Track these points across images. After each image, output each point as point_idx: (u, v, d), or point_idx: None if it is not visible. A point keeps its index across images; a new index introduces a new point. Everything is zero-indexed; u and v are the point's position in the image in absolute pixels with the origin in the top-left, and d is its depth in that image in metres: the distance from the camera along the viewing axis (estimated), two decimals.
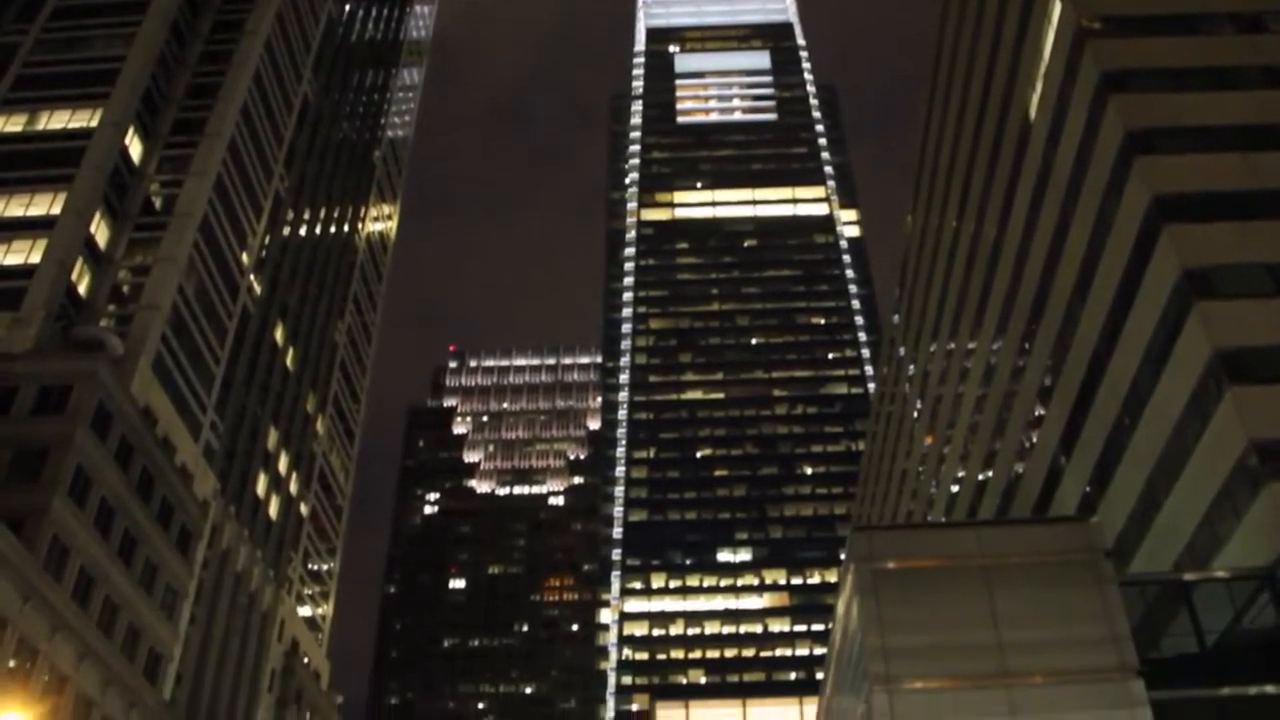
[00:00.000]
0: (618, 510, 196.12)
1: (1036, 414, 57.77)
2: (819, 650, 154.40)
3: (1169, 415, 42.95)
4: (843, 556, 49.48)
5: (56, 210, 79.41)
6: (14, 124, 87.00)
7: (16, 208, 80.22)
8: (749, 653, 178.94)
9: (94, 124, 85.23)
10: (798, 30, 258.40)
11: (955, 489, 73.23)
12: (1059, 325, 53.51)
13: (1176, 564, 43.30)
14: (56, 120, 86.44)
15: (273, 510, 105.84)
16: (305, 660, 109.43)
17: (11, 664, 53.44)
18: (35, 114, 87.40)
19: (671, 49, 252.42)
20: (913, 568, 42.73)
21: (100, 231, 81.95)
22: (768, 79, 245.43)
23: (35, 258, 76.52)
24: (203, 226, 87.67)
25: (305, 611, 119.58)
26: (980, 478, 67.42)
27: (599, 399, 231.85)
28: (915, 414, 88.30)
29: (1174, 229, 42.54)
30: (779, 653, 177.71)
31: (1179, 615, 40.66)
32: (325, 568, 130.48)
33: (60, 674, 57.55)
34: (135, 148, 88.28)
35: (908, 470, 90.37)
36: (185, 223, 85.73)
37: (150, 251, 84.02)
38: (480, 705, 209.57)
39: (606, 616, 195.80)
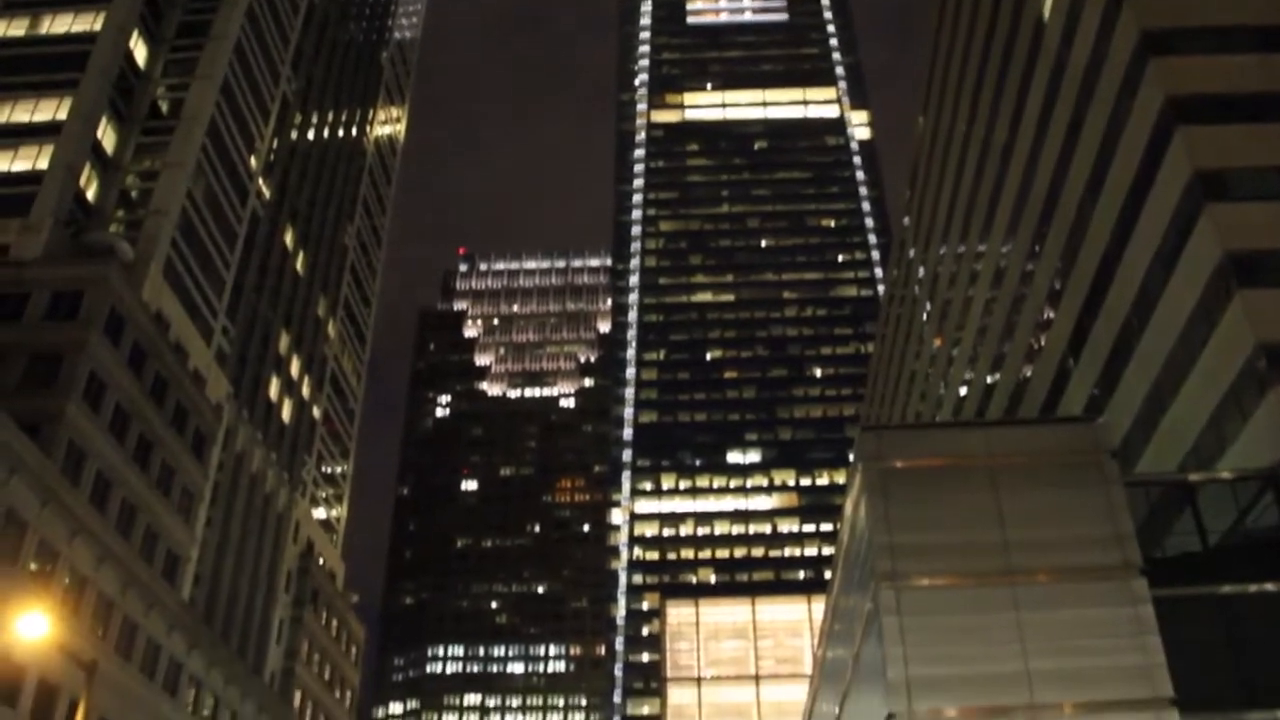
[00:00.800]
0: (628, 412, 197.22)
1: (1045, 317, 57.79)
2: (827, 550, 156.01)
3: (1178, 317, 42.98)
4: (851, 457, 49.90)
5: (62, 115, 79.01)
6: (16, 28, 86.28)
7: (22, 113, 79.87)
8: (758, 552, 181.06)
9: (97, 28, 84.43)
10: None
11: (963, 391, 73.49)
12: (1069, 227, 53.33)
13: (1181, 466, 43.62)
14: (59, 24, 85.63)
15: (285, 414, 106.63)
16: (320, 561, 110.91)
17: (33, 566, 54.32)
18: (38, 18, 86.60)
19: None
20: (920, 467, 43.05)
21: (107, 136, 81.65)
22: None
23: (42, 163, 76.34)
24: (210, 130, 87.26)
25: (320, 513, 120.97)
26: (988, 380, 67.63)
27: (609, 301, 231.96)
28: (924, 316, 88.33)
29: (1187, 130, 42.19)
30: (787, 552, 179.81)
31: (1183, 515, 41.05)
32: (338, 470, 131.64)
33: (80, 576, 58.49)
34: (140, 51, 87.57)
35: (916, 372, 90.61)
36: (192, 127, 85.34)
37: (158, 156, 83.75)
38: (493, 604, 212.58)
39: (617, 517, 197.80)
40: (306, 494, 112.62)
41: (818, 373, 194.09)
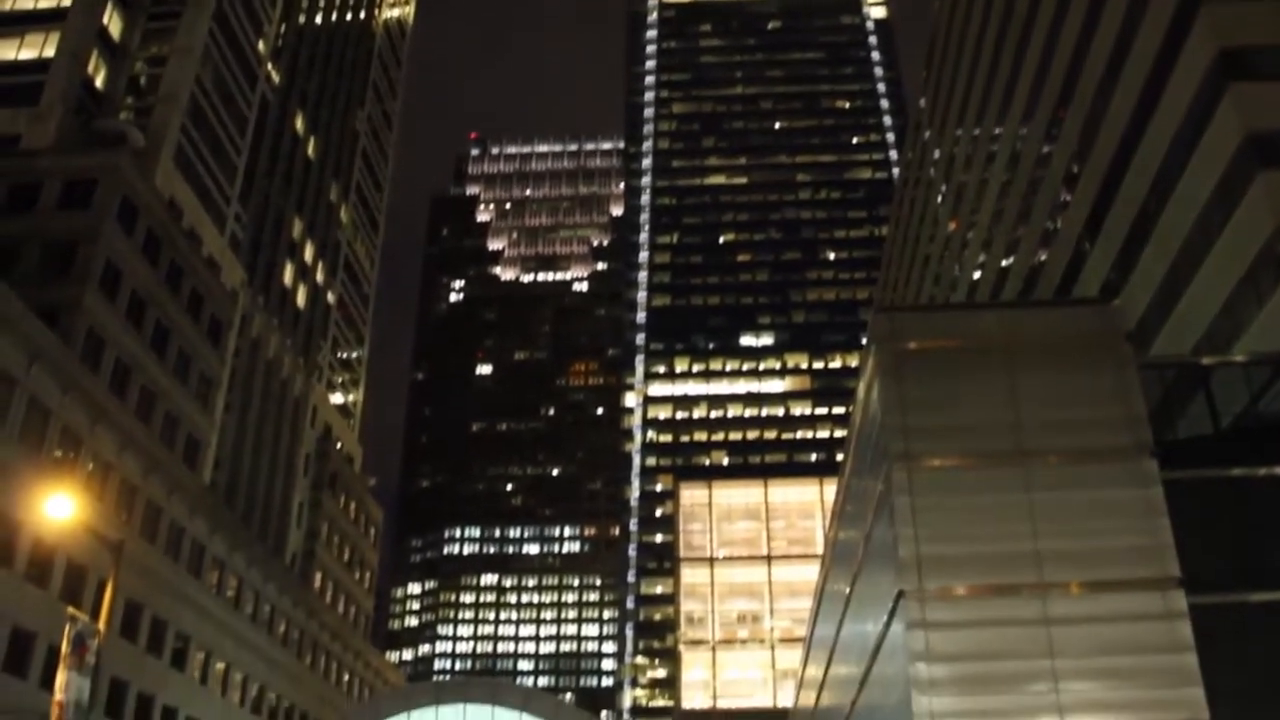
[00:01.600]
0: (641, 295, 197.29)
1: (1062, 199, 57.44)
2: (839, 433, 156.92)
3: (1197, 199, 42.72)
4: (864, 340, 50.00)
5: (66, 1, 78.12)
6: None
7: (25, 0, 79.01)
8: (770, 435, 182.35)
9: None
10: None
11: (977, 275, 73.32)
12: (1088, 108, 52.74)
13: (1195, 350, 43.65)
14: None
15: (300, 299, 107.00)
16: (338, 445, 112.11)
17: (57, 454, 55.05)
18: None
19: None
20: (934, 348, 43.07)
21: (113, 22, 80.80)
22: None
23: (49, 51, 75.73)
24: (217, 15, 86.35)
25: (336, 399, 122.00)
26: (1003, 264, 67.44)
27: (621, 185, 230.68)
28: (939, 199, 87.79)
29: (1211, 7, 41.53)
30: (800, 435, 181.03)
31: (1195, 399, 41.23)
32: (354, 355, 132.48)
33: (103, 462, 59.29)
34: None
35: (931, 255, 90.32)
36: (199, 12, 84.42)
37: (165, 42, 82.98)
38: (508, 487, 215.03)
39: (631, 400, 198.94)
40: (323, 379, 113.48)
41: (831, 256, 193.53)
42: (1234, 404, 39.75)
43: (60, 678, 25.80)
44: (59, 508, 28.49)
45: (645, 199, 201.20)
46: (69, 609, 28.36)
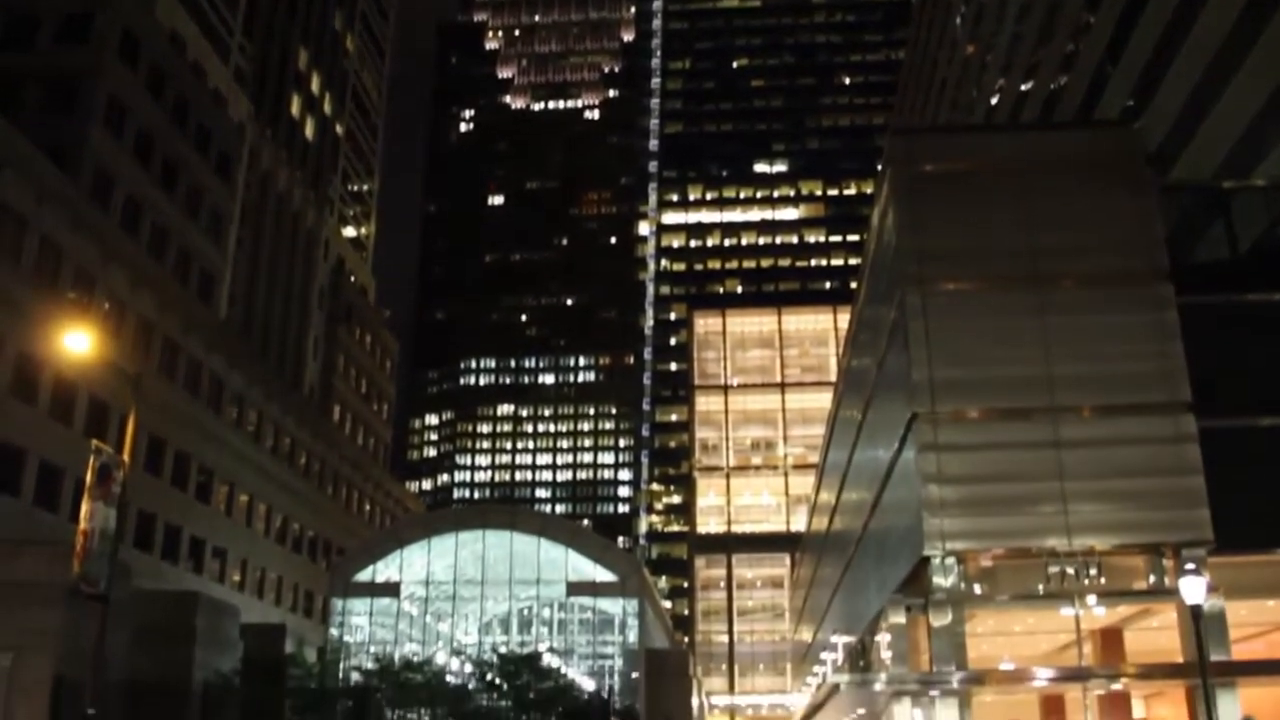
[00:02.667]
0: (653, 123, 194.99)
1: (1084, 20, 56.13)
2: (853, 260, 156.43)
3: (1226, 18, 41.69)
4: (879, 166, 49.42)
5: None
6: None
7: None
8: (784, 263, 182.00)
9: None
10: None
11: (995, 100, 72.10)
12: None
13: (1215, 175, 43.10)
14: None
15: (308, 131, 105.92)
16: (351, 278, 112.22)
17: (71, 295, 55.15)
18: None
19: None
20: (950, 171, 42.70)
21: None
22: None
23: None
24: None
25: (349, 232, 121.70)
26: (1022, 88, 66.24)
27: (632, 9, 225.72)
28: (958, 21, 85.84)
29: None
30: (814, 263, 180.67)
31: (1214, 224, 40.89)
32: (364, 188, 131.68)
33: (119, 299, 59.41)
34: None
35: (948, 80, 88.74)
36: None
37: None
38: (523, 318, 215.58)
39: (644, 229, 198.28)
40: (334, 212, 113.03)
41: (846, 81, 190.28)
42: (1253, 229, 39.43)
43: (85, 507, 26.21)
44: (77, 342, 28.64)
45: (657, 24, 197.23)
46: (93, 442, 28.68)
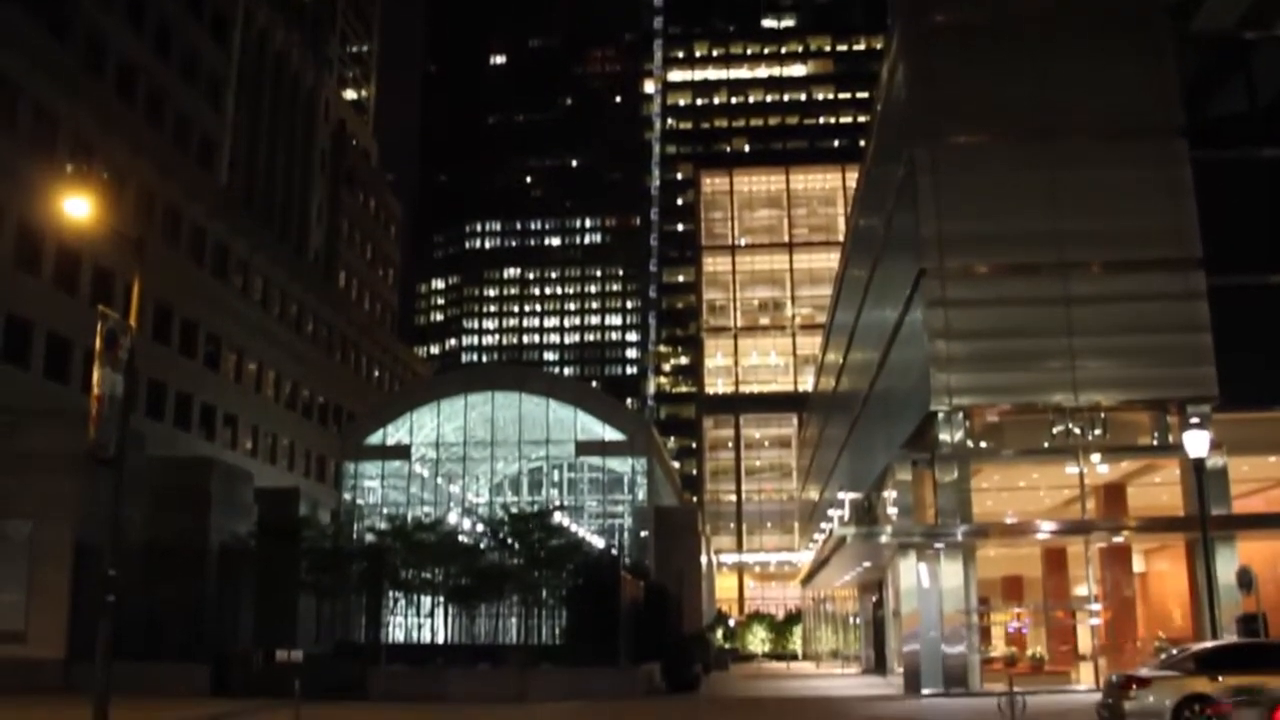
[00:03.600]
0: None
1: None
2: (863, 118, 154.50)
3: None
4: (889, 20, 48.47)
5: None
6: None
7: None
8: (792, 121, 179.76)
9: None
10: None
11: None
12: None
13: (1238, 26, 42.06)
14: None
15: None
16: (354, 141, 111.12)
17: (69, 167, 54.63)
18: None
19: None
20: (961, 23, 41.97)
21: None
22: None
23: None
24: None
25: (349, 95, 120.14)
26: None
27: None
28: None
29: None
30: (822, 121, 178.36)
31: (1234, 77, 40.17)
32: (364, 49, 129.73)
33: (118, 168, 58.90)
34: None
35: None
36: None
37: None
38: (527, 179, 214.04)
39: (649, 87, 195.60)
40: (334, 74, 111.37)
41: None
42: (1274, 82, 38.69)
43: (96, 373, 26.24)
44: (77, 207, 28.41)
45: None
46: (99, 307, 28.65)
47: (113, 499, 26.44)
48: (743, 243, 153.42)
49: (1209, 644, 25.20)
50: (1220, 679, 22.10)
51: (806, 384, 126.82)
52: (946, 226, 39.02)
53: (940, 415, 38.09)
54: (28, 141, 52.09)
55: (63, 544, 39.20)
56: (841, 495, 50.86)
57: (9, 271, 50.74)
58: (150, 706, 28.73)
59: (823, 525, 62.32)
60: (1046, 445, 38.05)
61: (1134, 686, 22.73)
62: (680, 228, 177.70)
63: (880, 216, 50.31)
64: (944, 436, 38.20)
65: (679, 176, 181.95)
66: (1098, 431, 37.49)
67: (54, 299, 52.96)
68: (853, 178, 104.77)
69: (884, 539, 41.09)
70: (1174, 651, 25.16)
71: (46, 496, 39.43)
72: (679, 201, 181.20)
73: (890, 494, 42.47)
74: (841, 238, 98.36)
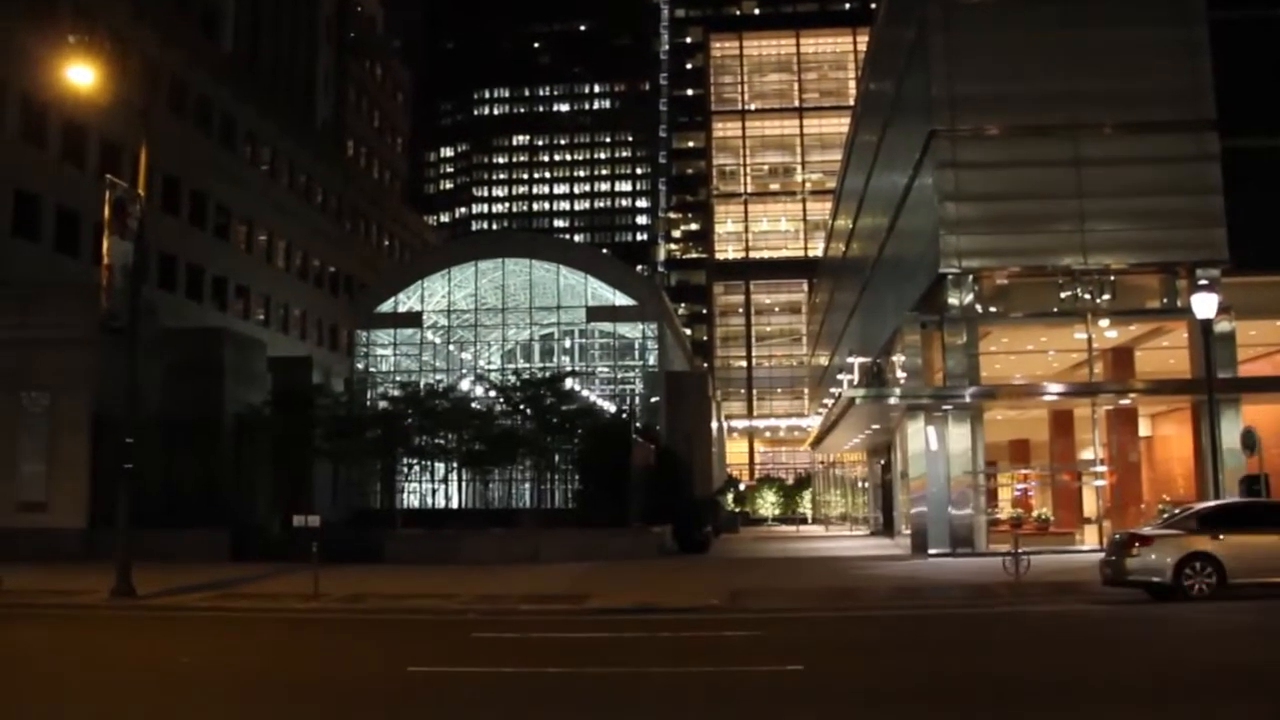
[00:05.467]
0: None
1: None
2: None
3: None
4: None
5: None
6: None
7: None
8: None
9: None
10: None
11: None
12: None
13: None
14: None
15: None
16: (358, 8, 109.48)
17: (71, 38, 53.97)
18: None
19: None
20: None
21: None
22: None
23: None
24: None
25: None
26: None
27: None
28: None
29: None
30: None
31: None
32: None
33: (120, 36, 58.23)
34: None
35: None
36: None
37: None
38: (535, 45, 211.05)
39: None
40: None
41: None
42: None
43: (106, 243, 26.37)
44: (81, 75, 28.24)
45: None
46: (106, 176, 28.67)
47: (129, 369, 26.79)
48: (753, 107, 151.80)
49: (1211, 503, 25.59)
50: (1221, 537, 22.50)
51: (817, 249, 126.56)
52: (957, 87, 38.67)
53: (949, 278, 38.17)
54: (28, 12, 51.49)
55: (80, 415, 39.75)
56: (851, 359, 51.18)
57: (16, 145, 50.60)
58: (171, 572, 29.39)
59: (832, 390, 62.76)
60: (1055, 309, 38.17)
61: (1137, 544, 23.14)
62: (690, 93, 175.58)
63: (891, 79, 49.77)
64: (953, 300, 38.32)
65: (688, 40, 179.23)
66: (1106, 295, 37.57)
67: (61, 172, 52.86)
68: (864, 41, 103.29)
69: (892, 401, 41.47)
70: (1177, 512, 25.57)
71: (63, 369, 39.87)
72: (688, 66, 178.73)
73: (899, 357, 42.75)
74: (852, 102, 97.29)
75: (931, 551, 37.67)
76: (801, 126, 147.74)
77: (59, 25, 53.27)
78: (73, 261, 52.37)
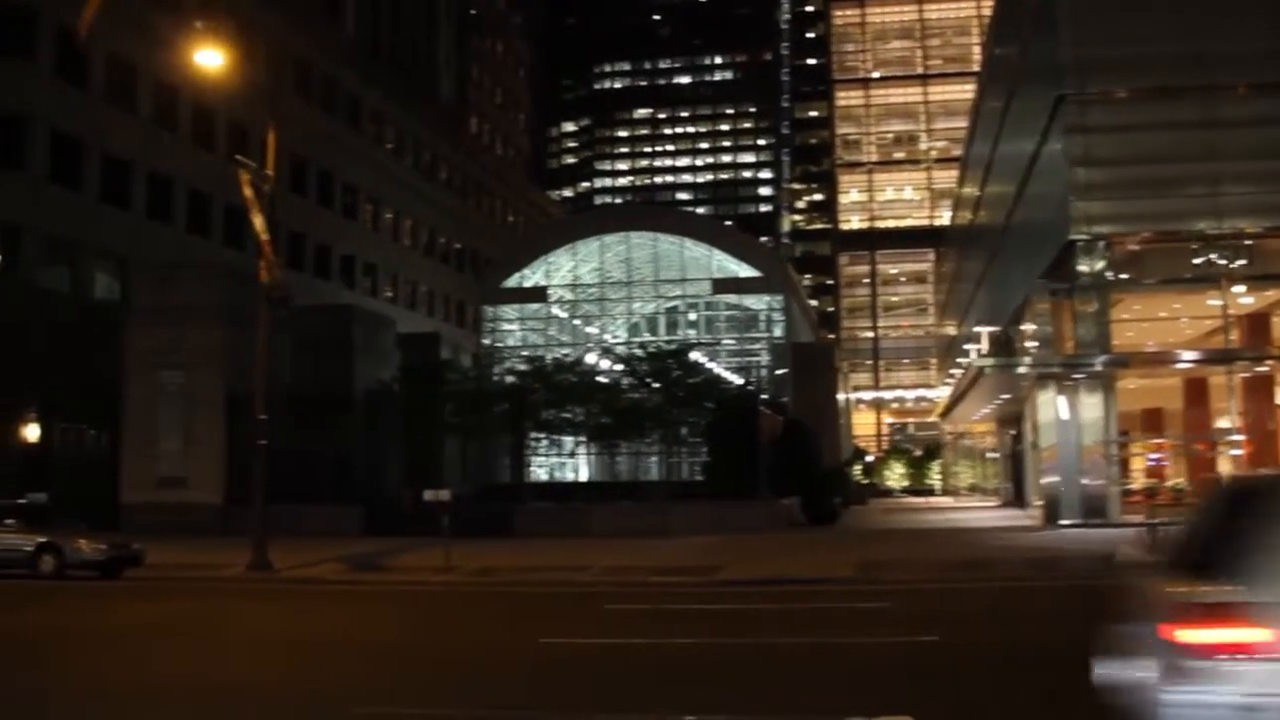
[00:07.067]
0: None
1: None
2: None
3: None
4: None
5: None
6: None
7: None
8: None
9: None
10: None
11: None
12: None
13: None
14: None
15: None
16: None
17: (199, 24, 54.98)
18: None
19: None
20: None
21: None
22: None
23: None
24: None
25: None
26: None
27: None
28: None
29: None
30: None
31: None
32: None
33: (247, 21, 59.17)
34: None
35: None
36: None
37: None
38: (655, 17, 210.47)
39: None
40: None
41: None
42: None
43: (258, 220, 26.95)
44: (210, 59, 28.89)
45: None
46: (237, 157, 29.37)
47: (263, 345, 27.48)
48: (876, 75, 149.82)
49: None
50: None
51: (943, 218, 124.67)
52: (1086, 50, 37.73)
53: (1080, 244, 37.32)
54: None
55: (215, 393, 40.85)
56: (979, 329, 50.35)
57: (149, 129, 52.02)
58: (305, 547, 30.12)
59: (960, 360, 61.88)
60: (1188, 274, 37.12)
61: None
62: (812, 62, 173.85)
63: (1017, 43, 48.74)
64: (1083, 266, 37.47)
65: (809, 9, 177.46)
66: (1242, 260, 36.42)
67: (192, 155, 54.22)
68: (987, 6, 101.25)
69: (1022, 370, 40.77)
70: None
71: (197, 348, 41.01)
72: (810, 35, 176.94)
73: (1028, 326, 41.98)
74: (977, 68, 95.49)
75: (1063, 522, 37.01)
76: (926, 93, 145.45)
77: (187, 11, 54.55)
78: (204, 242, 53.77)
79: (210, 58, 28.92)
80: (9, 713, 11.06)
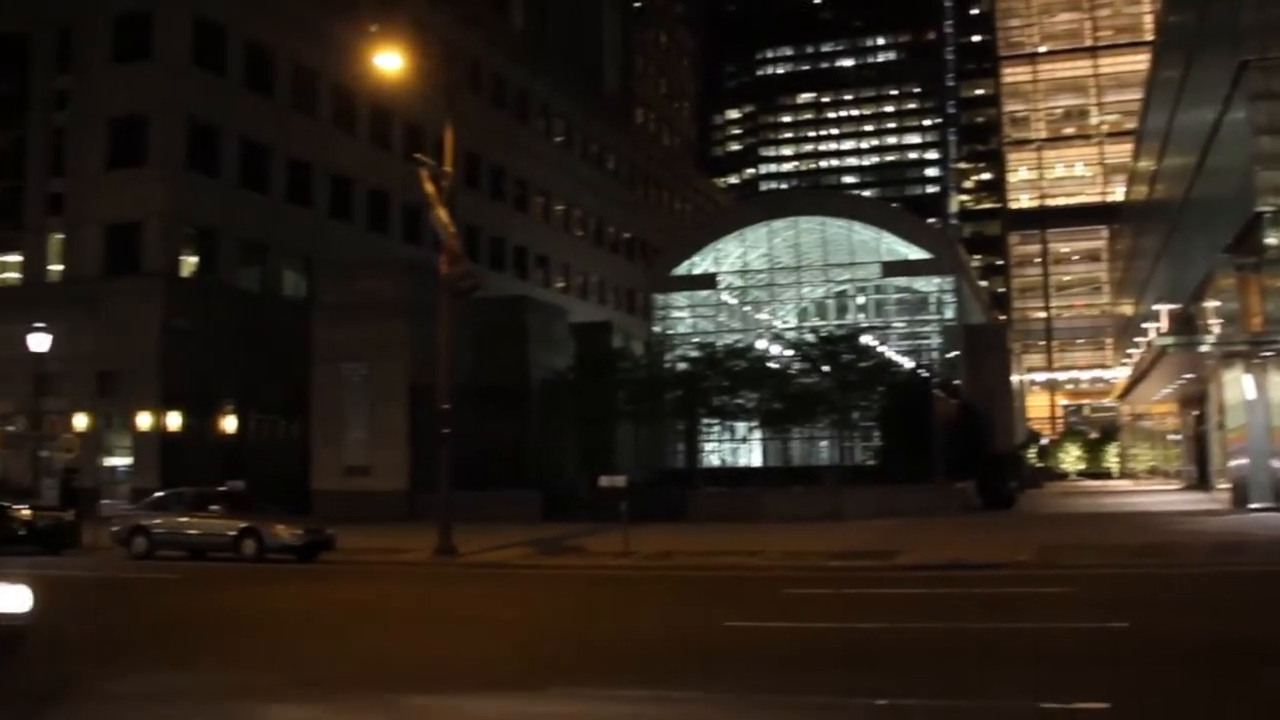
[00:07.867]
0: None
1: None
2: None
3: None
4: None
5: None
6: None
7: None
8: None
9: None
10: None
11: None
12: None
13: None
14: None
15: None
16: None
17: (373, 27, 56.60)
18: None
19: None
20: None
21: None
22: None
23: None
24: None
25: None
26: None
27: None
28: None
29: None
30: None
31: None
32: None
33: (420, 22, 60.69)
34: None
35: None
36: None
37: None
38: (815, 1, 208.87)
39: None
40: None
41: None
42: None
43: (443, 214, 27.69)
44: (388, 61, 29.85)
45: None
46: (416, 155, 30.28)
47: (445, 337, 28.32)
48: (1043, 50, 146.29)
49: None
50: None
51: (1116, 194, 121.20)
52: (1270, 12, 36.41)
53: (1266, 216, 36.07)
54: (335, 3, 54.49)
55: (397, 384, 42.17)
56: (1158, 306, 48.99)
57: (329, 131, 53.84)
58: (487, 532, 30.88)
59: (1138, 339, 60.26)
60: None
61: None
62: (976, 39, 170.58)
63: (1193, 9, 47.23)
64: (1271, 239, 36.20)
65: None
66: None
67: (370, 156, 55.91)
68: None
69: (1205, 349, 39.57)
70: None
71: (379, 341, 42.37)
72: (973, 11, 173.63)
73: (1212, 303, 40.73)
74: (1149, 37, 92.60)
75: (1252, 505, 35.87)
76: (1095, 66, 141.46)
77: (362, 15, 56.22)
78: (383, 238, 55.46)
79: (389, 60, 29.91)
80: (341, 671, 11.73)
